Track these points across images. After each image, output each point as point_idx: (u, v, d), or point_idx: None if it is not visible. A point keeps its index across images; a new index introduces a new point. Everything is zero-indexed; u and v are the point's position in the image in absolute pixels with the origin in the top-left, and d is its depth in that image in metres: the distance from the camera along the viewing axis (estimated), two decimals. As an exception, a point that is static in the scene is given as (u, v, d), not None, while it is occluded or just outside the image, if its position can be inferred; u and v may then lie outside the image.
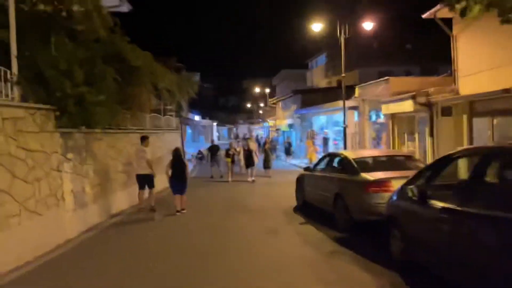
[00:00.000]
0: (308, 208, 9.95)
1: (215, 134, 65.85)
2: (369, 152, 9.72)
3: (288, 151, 26.44)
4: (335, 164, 8.95)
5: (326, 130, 22.72)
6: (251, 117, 76.40)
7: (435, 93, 12.98)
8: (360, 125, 19.56)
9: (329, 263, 5.99)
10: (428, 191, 4.70)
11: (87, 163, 8.70)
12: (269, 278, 5.41)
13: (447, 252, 4.22)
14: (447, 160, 4.82)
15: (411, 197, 4.93)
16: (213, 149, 18.44)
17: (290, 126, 32.72)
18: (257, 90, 46.16)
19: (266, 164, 18.34)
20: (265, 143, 19.69)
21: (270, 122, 39.60)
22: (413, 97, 13.17)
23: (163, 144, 15.77)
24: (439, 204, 4.45)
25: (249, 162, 16.59)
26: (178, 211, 9.94)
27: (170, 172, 10.00)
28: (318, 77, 43.16)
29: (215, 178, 17.47)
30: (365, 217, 7.15)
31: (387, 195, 6.82)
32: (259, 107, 67.73)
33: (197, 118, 52.81)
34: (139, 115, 12.85)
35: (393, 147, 16.16)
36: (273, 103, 38.85)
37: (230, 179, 16.49)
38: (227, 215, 9.91)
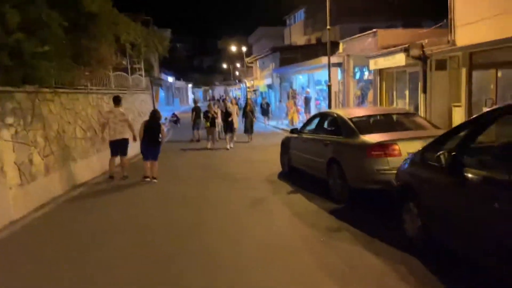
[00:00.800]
0: (296, 175, 8.92)
1: (190, 96, 63.72)
2: (365, 111, 8.53)
3: (266, 112, 25.21)
4: (327, 125, 7.83)
5: (307, 89, 21.52)
6: (228, 78, 74.19)
7: (429, 45, 11.89)
8: (344, 83, 18.44)
9: (328, 243, 4.96)
10: (463, 157, 3.65)
11: (34, 129, 7.27)
12: (260, 266, 4.36)
13: (488, 235, 3.24)
14: (488, 119, 3.74)
15: (436, 164, 3.88)
16: (197, 111, 16.99)
17: (269, 86, 31.36)
18: (233, 49, 43.99)
19: (250, 128, 16.46)
20: (246, 105, 17.11)
21: (248, 82, 38.04)
22: (406, 50, 12.05)
23: (131, 106, 14.28)
24: (479, 174, 3.42)
25: (228, 127, 14.53)
26: (146, 177, 8.96)
27: (142, 135, 9.04)
28: (296, 35, 41.36)
29: (195, 143, 16.27)
30: (366, 185, 6.14)
31: (391, 160, 5.85)
32: (236, 68, 65.64)
33: (170, 79, 50.53)
34: (102, 73, 11.28)
35: (381, 105, 15.19)
36: (250, 62, 37.17)
37: (209, 145, 14.58)
38: (206, 184, 8.78)
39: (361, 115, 7.28)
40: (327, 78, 21.90)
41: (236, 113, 15.91)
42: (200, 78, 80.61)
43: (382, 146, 5.93)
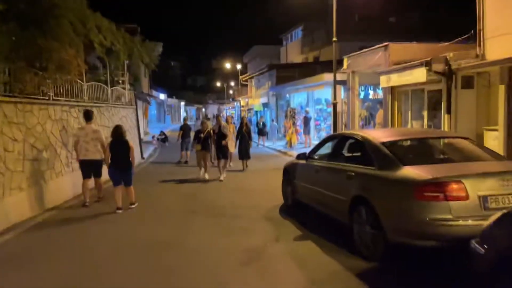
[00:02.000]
0: (302, 210, 7.07)
1: (183, 114, 62.01)
2: (398, 133, 6.45)
3: (262, 132, 23.47)
4: (348, 150, 6.04)
5: (307, 109, 19.84)
6: (222, 97, 72.98)
7: (455, 58, 10.25)
8: (348, 103, 16.76)
9: None
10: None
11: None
12: None
13: None
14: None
15: None
16: (186, 129, 15.22)
17: (265, 105, 29.72)
18: (227, 66, 42.57)
19: (245, 153, 13.19)
20: (242, 125, 13.59)
21: (242, 101, 36.42)
22: (427, 64, 10.38)
23: (109, 123, 12.40)
24: None
25: (221, 151, 11.27)
26: (119, 208, 7.49)
27: (108, 157, 7.68)
28: (293, 53, 40.13)
29: (183, 165, 14.33)
30: (412, 241, 4.28)
31: (454, 205, 4.02)
32: (230, 86, 64.39)
33: (162, 96, 48.87)
34: (71, 81, 9.44)
35: (393, 127, 13.46)
36: (245, 80, 35.64)
37: (202, 174, 11.24)
38: (186, 224, 6.83)
39: (396, 138, 5.45)
40: (327, 96, 20.33)
41: (232, 134, 13.03)
42: (194, 96, 79.63)
43: (439, 185, 4.10)
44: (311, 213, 6.75)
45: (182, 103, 64.78)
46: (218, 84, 70.30)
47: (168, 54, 67.50)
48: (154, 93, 41.91)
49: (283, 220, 6.89)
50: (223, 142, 11.14)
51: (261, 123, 23.27)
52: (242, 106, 36.54)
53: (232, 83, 59.56)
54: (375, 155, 5.01)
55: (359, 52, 15.55)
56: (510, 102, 8.62)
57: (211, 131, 11.35)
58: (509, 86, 8.64)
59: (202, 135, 11.13)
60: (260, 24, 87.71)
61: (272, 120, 27.26)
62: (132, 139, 15.65)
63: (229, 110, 58.18)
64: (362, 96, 16.92)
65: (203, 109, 78.34)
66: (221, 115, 28.10)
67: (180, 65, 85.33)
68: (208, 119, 25.61)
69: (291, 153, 17.23)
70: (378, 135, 5.63)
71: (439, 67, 10.38)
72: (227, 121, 14.29)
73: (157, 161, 16.73)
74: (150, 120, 39.77)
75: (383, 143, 5.05)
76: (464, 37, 11.44)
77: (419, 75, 10.81)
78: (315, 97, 21.37)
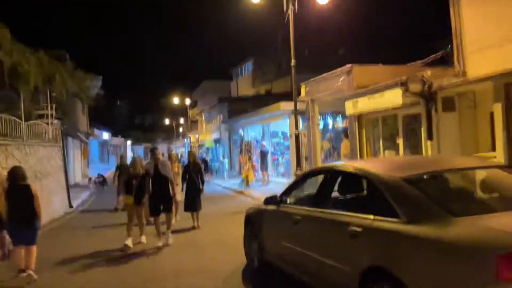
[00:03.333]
0: (274, 275, 5.05)
1: (129, 154, 58.45)
2: (411, 162, 4.42)
3: (205, 169, 21.76)
4: (343, 190, 4.17)
5: (263, 142, 18.10)
6: (171, 136, 70.40)
7: (433, 77, 8.98)
8: (309, 134, 15.23)
9: None
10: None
11: None
12: None
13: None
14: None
15: None
16: (122, 169, 11.39)
17: (216, 141, 27.78)
18: (176, 101, 40.52)
19: (193, 203, 9.21)
20: (190, 161, 9.65)
21: (192, 137, 34.28)
22: (403, 84, 9.03)
23: (24, 165, 9.80)
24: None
25: (163, 200, 7.70)
26: (22, 270, 5.55)
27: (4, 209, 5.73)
28: (244, 87, 38.93)
29: (119, 214, 11.57)
30: None
31: None
32: (179, 124, 62.16)
33: (106, 135, 45.55)
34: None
35: (362, 158, 11.96)
36: (195, 116, 33.68)
37: (129, 242, 7.36)
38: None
39: (418, 171, 3.62)
40: (284, 129, 18.81)
41: (178, 174, 9.96)
42: (142, 136, 76.70)
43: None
44: (289, 281, 4.72)
45: (129, 142, 61.30)
46: (167, 121, 67.89)
47: (115, 93, 64.51)
48: (96, 132, 38.77)
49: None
50: (163, 187, 7.57)
51: (203, 160, 21.66)
52: (193, 143, 34.36)
53: (182, 120, 57.38)
54: (397, 199, 3.15)
55: (318, 77, 14.20)
56: (510, 123, 7.28)
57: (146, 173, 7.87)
58: (507, 104, 7.33)
59: (135, 181, 7.79)
60: (209, 60, 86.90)
61: (223, 157, 25.50)
62: (57, 183, 13.00)
63: (178, 149, 55.53)
64: (321, 126, 15.49)
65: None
66: (157, 150, 25.73)
67: (127, 104, 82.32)
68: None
69: (248, 192, 15.23)
70: (385, 166, 3.82)
71: (416, 87, 9.05)
72: (170, 158, 10.74)
73: (90, 208, 14.03)
74: (91, 161, 36.39)
75: (407, 180, 3.22)
76: (437, 54, 10.35)
77: (393, 97, 9.41)
78: (271, 129, 19.77)
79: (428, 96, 8.90)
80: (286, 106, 16.24)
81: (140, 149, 73.62)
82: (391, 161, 5.05)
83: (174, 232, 8.14)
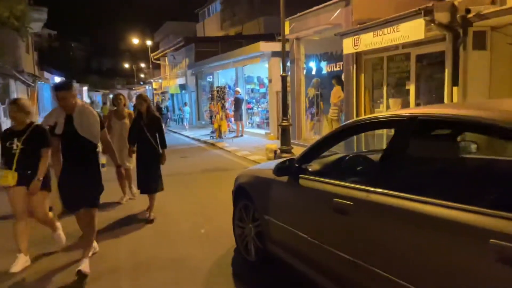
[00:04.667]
0: (283, 275, 3.30)
1: (87, 100, 54.33)
2: None
3: (164, 118, 20.23)
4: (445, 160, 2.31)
5: (238, 88, 15.94)
6: (132, 82, 66.09)
7: (465, 4, 7.10)
8: (293, 79, 13.22)
9: None
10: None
11: None
12: None
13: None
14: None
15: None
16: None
17: (182, 87, 25.21)
18: (136, 41, 36.81)
19: (147, 179, 5.62)
20: (140, 113, 5.61)
21: (155, 83, 31.33)
22: (427, 13, 7.09)
23: None
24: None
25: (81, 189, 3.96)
26: None
27: None
28: (212, 30, 35.70)
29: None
30: None
31: None
32: (140, 69, 58.24)
33: (59, 80, 41.41)
34: None
35: (359, 111, 10.21)
36: (157, 59, 30.60)
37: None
38: None
39: None
40: (261, 74, 16.70)
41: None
42: (100, 81, 71.84)
43: None
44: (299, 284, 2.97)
45: (85, 88, 56.87)
46: (127, 66, 63.54)
47: (69, 34, 58.84)
48: (47, 75, 34.86)
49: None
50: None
51: (164, 107, 19.84)
52: (155, 89, 31.49)
53: (143, 65, 53.54)
54: None
55: (307, 11, 11.98)
56: None
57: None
58: None
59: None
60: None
61: (185, 104, 23.38)
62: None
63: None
64: (311, 69, 13.49)
65: (110, 95, 70.71)
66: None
67: (83, 46, 76.16)
68: (105, 103, 20.69)
69: (221, 145, 13.32)
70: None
71: (444, 17, 7.16)
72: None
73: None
74: (42, 109, 32.91)
75: None
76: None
77: (412, 30, 7.51)
78: (245, 74, 17.56)
79: (460, 29, 7.04)
80: (267, 46, 14.05)
81: (98, 96, 69.13)
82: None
83: (133, 214, 6.00)
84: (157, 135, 5.57)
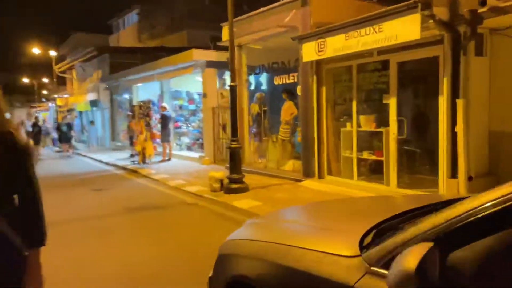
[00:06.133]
0: None
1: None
2: None
3: (66, 138, 17.83)
4: None
5: (164, 104, 13.47)
6: (32, 99, 59.06)
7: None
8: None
9: None
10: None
11: None
12: None
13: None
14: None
15: None
16: None
17: (93, 103, 21.81)
18: (37, 51, 32.09)
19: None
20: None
21: (59, 100, 27.19)
22: (425, 7, 5.64)
23: None
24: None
25: None
26: None
27: None
28: (128, 42, 32.60)
29: None
30: None
31: None
32: (43, 85, 52.15)
33: None
34: None
35: (320, 130, 8.49)
36: (62, 72, 26.70)
37: None
38: None
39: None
40: (191, 88, 14.51)
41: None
42: (-7, 98, 63.22)
43: None
44: None
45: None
46: (27, 81, 56.76)
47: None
48: None
49: None
50: None
51: (65, 125, 17.33)
52: (59, 107, 27.34)
53: (47, 80, 47.88)
54: None
55: (251, 13, 10.17)
56: None
57: None
58: None
59: None
60: (81, 7, 73.76)
61: (92, 123, 20.58)
62: None
63: (41, 114, 45.98)
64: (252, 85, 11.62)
65: (6, 115, 62.44)
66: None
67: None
68: None
69: (146, 172, 10.75)
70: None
71: (444, 13, 5.79)
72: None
73: None
74: None
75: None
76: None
77: (403, 29, 6.00)
78: (172, 88, 15.20)
79: (467, 27, 5.68)
80: (201, 55, 11.94)
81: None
82: None
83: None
84: (14, 198, 1.95)
